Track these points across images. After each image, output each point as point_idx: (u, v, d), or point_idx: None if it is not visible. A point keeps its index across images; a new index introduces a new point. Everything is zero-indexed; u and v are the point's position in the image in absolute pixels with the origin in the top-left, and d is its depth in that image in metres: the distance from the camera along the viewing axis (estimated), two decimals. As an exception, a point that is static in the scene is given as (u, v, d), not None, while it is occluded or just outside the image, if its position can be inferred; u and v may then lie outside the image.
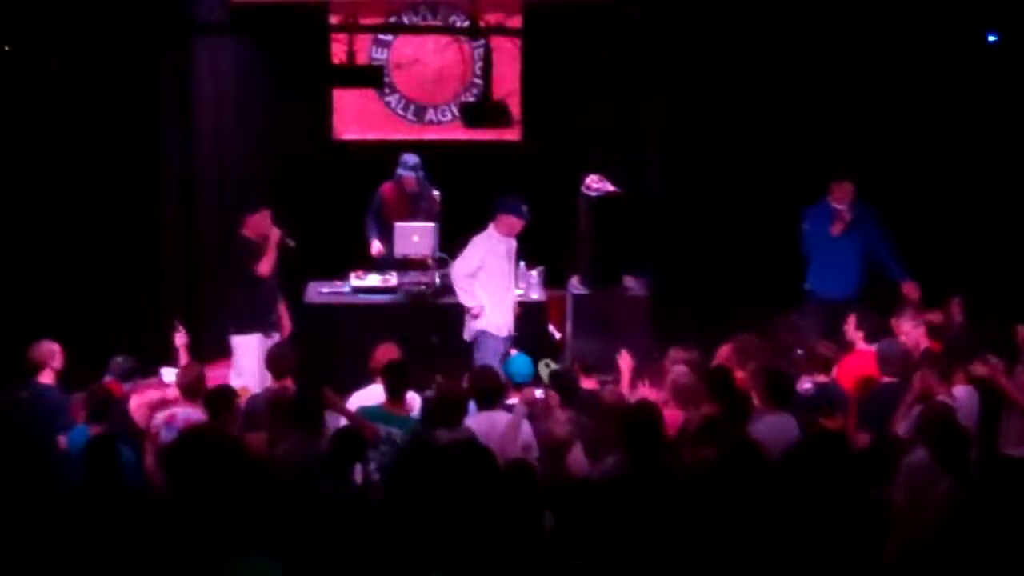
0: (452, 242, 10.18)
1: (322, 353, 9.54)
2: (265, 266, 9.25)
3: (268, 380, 8.29)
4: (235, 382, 8.67)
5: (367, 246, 10.45)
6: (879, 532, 5.62)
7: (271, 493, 6.24)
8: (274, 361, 8.14)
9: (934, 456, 6.28)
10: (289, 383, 7.97)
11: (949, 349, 8.01)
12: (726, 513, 5.73)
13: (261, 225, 9.27)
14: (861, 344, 8.52)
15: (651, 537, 5.59)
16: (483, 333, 9.50)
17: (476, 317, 9.49)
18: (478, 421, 7.17)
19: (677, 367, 7.79)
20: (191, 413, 7.43)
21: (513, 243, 9.63)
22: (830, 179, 9.91)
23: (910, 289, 9.53)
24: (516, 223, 9.52)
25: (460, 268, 9.55)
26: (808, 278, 10.13)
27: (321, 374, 9.33)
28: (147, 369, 8.42)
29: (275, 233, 9.33)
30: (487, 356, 9.31)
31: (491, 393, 7.38)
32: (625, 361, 8.35)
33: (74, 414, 7.92)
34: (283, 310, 9.63)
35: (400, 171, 10.38)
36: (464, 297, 9.53)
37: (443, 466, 5.95)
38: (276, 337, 9.32)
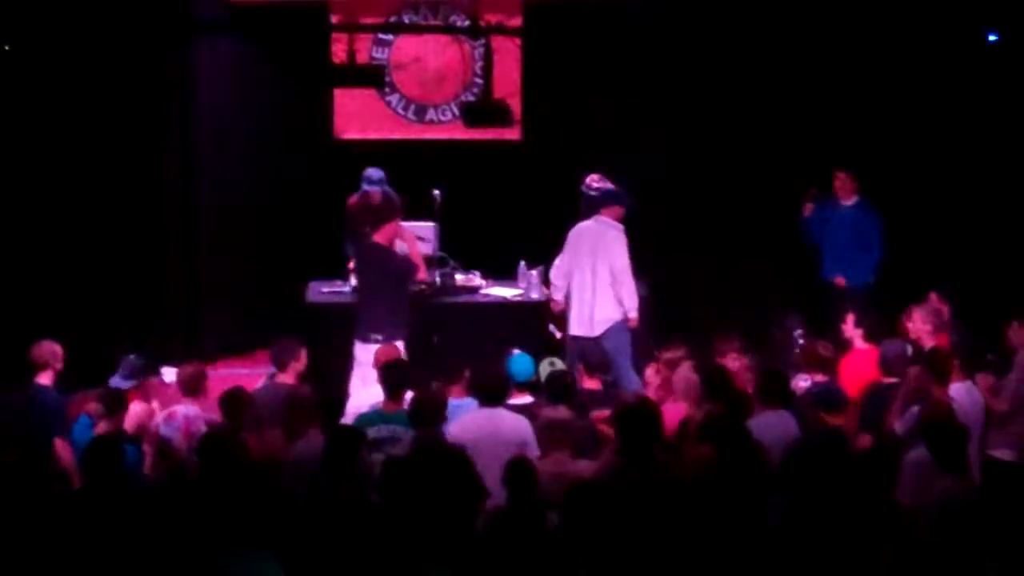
0: (452, 242, 10.19)
1: (322, 353, 9.52)
2: (423, 270, 9.44)
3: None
4: (360, 391, 8.56)
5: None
6: (883, 531, 5.61)
7: (278, 492, 6.25)
8: (279, 354, 8.14)
9: (934, 455, 6.29)
10: (294, 378, 7.99)
11: (955, 350, 7.98)
12: (725, 510, 5.73)
13: (394, 232, 9.26)
14: (859, 342, 8.52)
15: (649, 535, 5.59)
16: (620, 322, 9.39)
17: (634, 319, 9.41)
18: (479, 418, 7.14)
19: (684, 363, 7.81)
20: (190, 410, 7.47)
21: None
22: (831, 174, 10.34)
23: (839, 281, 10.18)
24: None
25: (629, 270, 9.40)
26: (821, 268, 10.50)
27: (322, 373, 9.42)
28: (152, 368, 8.42)
29: (409, 235, 9.37)
30: (626, 345, 9.27)
31: (496, 391, 7.29)
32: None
33: (73, 413, 7.91)
34: None
35: (365, 186, 10.31)
36: (632, 299, 9.41)
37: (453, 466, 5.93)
38: (401, 344, 9.04)
